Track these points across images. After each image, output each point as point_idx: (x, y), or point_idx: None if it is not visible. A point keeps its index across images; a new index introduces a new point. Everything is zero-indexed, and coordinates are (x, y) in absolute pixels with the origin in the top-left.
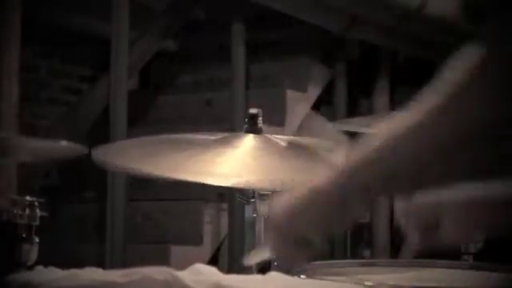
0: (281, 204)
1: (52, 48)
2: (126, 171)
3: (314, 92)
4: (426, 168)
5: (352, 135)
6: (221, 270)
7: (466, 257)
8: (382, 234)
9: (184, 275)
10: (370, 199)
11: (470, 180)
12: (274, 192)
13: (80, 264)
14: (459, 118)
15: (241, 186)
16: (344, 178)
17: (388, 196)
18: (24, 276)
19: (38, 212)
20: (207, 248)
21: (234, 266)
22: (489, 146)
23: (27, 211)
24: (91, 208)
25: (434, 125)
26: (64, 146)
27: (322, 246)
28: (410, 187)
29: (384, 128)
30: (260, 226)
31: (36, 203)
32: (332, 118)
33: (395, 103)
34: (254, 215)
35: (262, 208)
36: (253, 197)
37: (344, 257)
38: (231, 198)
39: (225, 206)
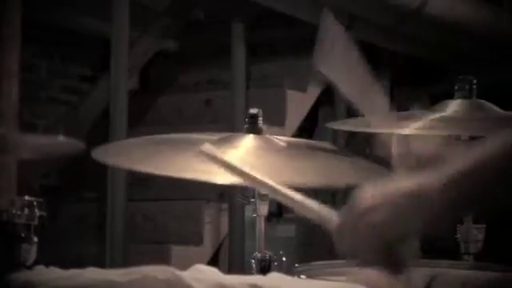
0: (372, 207)
1: (52, 48)
2: (128, 170)
3: (314, 92)
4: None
5: (352, 135)
6: (221, 270)
7: (466, 257)
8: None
9: (185, 275)
10: (459, 214)
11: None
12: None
13: (80, 264)
14: None
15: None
16: (440, 189)
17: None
18: (24, 275)
19: (37, 212)
20: (207, 248)
21: (234, 265)
22: None
23: (26, 211)
24: (91, 208)
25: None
26: (63, 142)
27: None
28: (484, 210)
29: (485, 144)
30: (260, 227)
31: (35, 203)
32: (332, 118)
33: (395, 103)
34: (254, 215)
35: (262, 208)
36: (253, 197)
37: (344, 257)
38: (231, 198)
39: (225, 206)
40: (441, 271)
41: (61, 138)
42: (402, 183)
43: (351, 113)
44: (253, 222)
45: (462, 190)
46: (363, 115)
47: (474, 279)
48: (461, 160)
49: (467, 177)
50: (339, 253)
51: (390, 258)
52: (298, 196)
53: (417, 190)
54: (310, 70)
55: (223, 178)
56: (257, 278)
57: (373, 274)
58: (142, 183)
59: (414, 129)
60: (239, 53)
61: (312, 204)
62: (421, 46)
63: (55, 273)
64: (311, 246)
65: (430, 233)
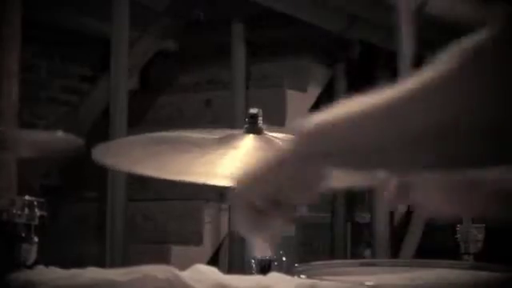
0: (246, 171)
1: (52, 48)
2: (127, 171)
3: (314, 92)
4: (389, 150)
5: None
6: (221, 269)
7: (466, 257)
8: (382, 234)
9: (185, 274)
10: (330, 171)
11: (447, 169)
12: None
13: (80, 264)
14: (441, 107)
15: None
16: (303, 146)
17: (347, 170)
18: (25, 275)
19: (37, 211)
20: (207, 248)
21: (234, 265)
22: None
23: (26, 211)
24: (91, 208)
25: (408, 111)
26: (62, 138)
27: (286, 214)
28: (369, 166)
29: (353, 102)
30: None
31: (35, 203)
32: None
33: None
34: None
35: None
36: None
37: (344, 257)
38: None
39: (225, 206)
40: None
41: (59, 134)
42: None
43: None
44: None
45: (335, 139)
46: None
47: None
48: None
49: (344, 124)
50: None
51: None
52: None
53: (275, 155)
54: (309, 70)
55: (222, 180)
56: (257, 278)
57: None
58: (142, 183)
59: None
60: (239, 53)
61: None
62: (421, 45)
63: (55, 273)
64: (311, 246)
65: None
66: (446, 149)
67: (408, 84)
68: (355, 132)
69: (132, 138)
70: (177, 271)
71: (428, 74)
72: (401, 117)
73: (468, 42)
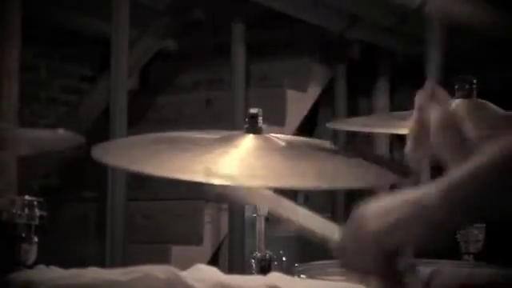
0: (372, 214)
1: (52, 48)
2: (126, 170)
3: (314, 92)
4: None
5: (352, 135)
6: (221, 269)
7: (466, 257)
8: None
9: (186, 274)
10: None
11: None
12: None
13: (80, 264)
14: None
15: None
16: (452, 195)
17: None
18: (25, 275)
19: (37, 211)
20: (207, 248)
21: (234, 265)
22: None
23: (26, 211)
24: (91, 208)
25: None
26: (62, 136)
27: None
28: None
29: (481, 154)
30: (260, 226)
31: (35, 203)
32: (332, 118)
33: (395, 103)
34: (254, 215)
35: (262, 208)
36: None
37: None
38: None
39: (225, 206)
40: (438, 268)
41: (60, 131)
42: (402, 194)
43: (351, 113)
44: (253, 222)
45: (461, 197)
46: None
47: (474, 277)
48: (460, 168)
49: (466, 185)
50: (343, 267)
51: (389, 269)
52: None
53: (417, 198)
54: (309, 70)
55: (222, 179)
56: (257, 278)
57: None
58: (142, 183)
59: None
60: (239, 53)
61: (317, 223)
62: (421, 45)
63: (56, 272)
64: (311, 245)
65: (430, 243)
66: None
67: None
68: (476, 192)
69: (131, 138)
70: (177, 271)
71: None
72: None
73: None
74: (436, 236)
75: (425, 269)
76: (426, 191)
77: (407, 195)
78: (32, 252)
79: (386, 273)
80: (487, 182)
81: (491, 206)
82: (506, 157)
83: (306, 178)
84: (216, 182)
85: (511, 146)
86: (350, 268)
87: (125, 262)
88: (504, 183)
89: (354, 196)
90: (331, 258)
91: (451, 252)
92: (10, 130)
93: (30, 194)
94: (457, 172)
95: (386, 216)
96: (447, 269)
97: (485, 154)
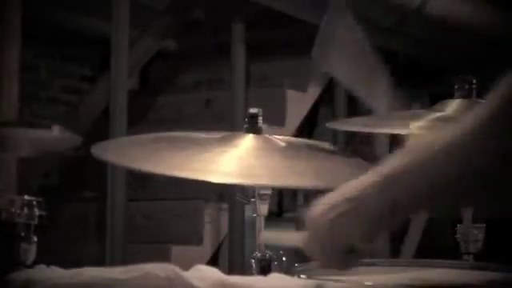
0: (319, 214)
1: (52, 48)
2: (127, 168)
3: (314, 92)
4: (455, 188)
5: (352, 135)
6: (221, 270)
7: (466, 257)
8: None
9: (186, 273)
10: (402, 214)
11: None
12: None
13: (80, 264)
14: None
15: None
16: (377, 191)
17: (415, 213)
18: (25, 274)
19: (37, 211)
20: (207, 248)
21: (234, 265)
22: None
23: (25, 210)
24: (91, 207)
25: (471, 149)
26: (60, 136)
27: (366, 251)
28: (436, 205)
29: (418, 142)
30: (260, 226)
31: (34, 202)
32: (332, 117)
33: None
34: (254, 215)
35: (262, 208)
36: (253, 196)
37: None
38: (231, 198)
39: (225, 205)
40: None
41: (56, 130)
42: (342, 189)
43: (351, 113)
44: (253, 222)
45: (399, 188)
46: (363, 101)
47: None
48: (399, 158)
49: (405, 175)
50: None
51: (341, 261)
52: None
53: (355, 194)
54: (309, 70)
55: (221, 177)
56: (258, 278)
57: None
58: (142, 183)
59: (414, 128)
60: (239, 53)
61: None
62: (421, 46)
63: (55, 272)
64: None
65: (374, 235)
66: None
67: (468, 120)
68: (422, 175)
69: (131, 137)
70: (178, 269)
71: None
72: (467, 156)
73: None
74: (378, 229)
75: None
76: (362, 187)
77: (346, 191)
78: (31, 251)
79: (338, 264)
80: (432, 170)
81: (439, 197)
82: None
83: (304, 177)
84: (215, 180)
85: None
86: (316, 259)
87: (125, 262)
88: (450, 172)
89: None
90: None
91: (451, 252)
92: (10, 130)
93: (29, 194)
94: (391, 163)
95: (327, 214)
96: None
97: (426, 146)
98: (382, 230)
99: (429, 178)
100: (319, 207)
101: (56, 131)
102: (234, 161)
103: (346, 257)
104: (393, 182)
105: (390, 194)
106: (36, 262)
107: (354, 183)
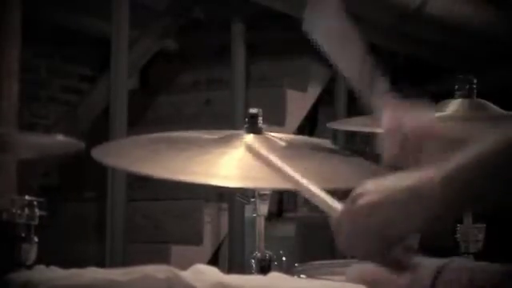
0: (372, 204)
1: (52, 48)
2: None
3: (314, 92)
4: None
5: (352, 135)
6: (221, 269)
7: (466, 257)
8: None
9: (186, 274)
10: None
11: None
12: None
13: (80, 264)
14: None
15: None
16: (453, 180)
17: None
18: (24, 275)
19: (37, 211)
20: (207, 248)
21: (234, 265)
22: None
23: (26, 210)
24: (91, 207)
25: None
26: (62, 142)
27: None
28: (489, 207)
29: (486, 140)
30: (260, 226)
31: (35, 202)
32: (332, 118)
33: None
34: (254, 215)
35: (262, 208)
36: (253, 196)
37: (344, 257)
38: (231, 198)
39: (225, 205)
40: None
41: (60, 138)
42: (402, 179)
43: (351, 113)
44: (253, 222)
45: (461, 184)
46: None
47: (481, 272)
48: (461, 155)
49: (467, 171)
50: (338, 247)
51: (388, 257)
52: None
53: (417, 186)
54: (309, 70)
55: (223, 180)
56: (258, 278)
57: (370, 270)
58: (142, 183)
59: None
60: (239, 53)
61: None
62: (421, 46)
63: (55, 272)
64: (311, 245)
65: (430, 230)
66: None
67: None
68: (477, 179)
69: (131, 138)
70: (177, 271)
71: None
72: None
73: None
74: (436, 224)
75: (432, 262)
76: (425, 177)
77: (405, 180)
78: (32, 252)
79: (385, 261)
80: (489, 169)
81: (491, 195)
82: (509, 145)
83: (305, 177)
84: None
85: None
86: (346, 249)
87: (125, 262)
88: (505, 172)
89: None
90: (331, 258)
91: (451, 252)
92: (10, 133)
93: (29, 194)
94: (457, 159)
95: (386, 204)
96: (456, 263)
97: (487, 143)
98: (436, 227)
99: (490, 174)
100: (372, 192)
101: (56, 136)
102: (235, 163)
103: (401, 254)
104: (457, 177)
105: (454, 187)
106: (35, 263)
107: (410, 175)
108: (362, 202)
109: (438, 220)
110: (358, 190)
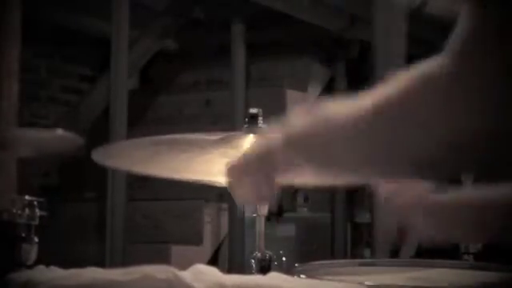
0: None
1: (52, 48)
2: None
3: (313, 92)
4: (362, 160)
5: None
6: (221, 269)
7: (466, 257)
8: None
9: (185, 274)
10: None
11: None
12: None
13: (80, 264)
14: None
15: None
16: (281, 145)
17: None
18: (24, 275)
19: (38, 211)
20: (207, 248)
21: (234, 265)
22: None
23: (26, 211)
24: (91, 208)
25: (388, 128)
26: (62, 137)
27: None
28: (342, 171)
29: (335, 106)
30: (260, 226)
31: (35, 203)
32: None
33: None
34: (254, 215)
35: (262, 208)
36: None
37: (344, 257)
38: (231, 198)
39: (225, 206)
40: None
41: (59, 132)
42: (256, 144)
43: None
44: (253, 222)
45: (302, 147)
46: None
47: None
48: (306, 120)
49: (309, 135)
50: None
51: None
52: None
53: (266, 142)
54: (309, 70)
55: (222, 179)
56: (257, 278)
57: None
58: (142, 183)
59: None
60: (239, 53)
61: None
62: (421, 46)
63: (55, 272)
64: (311, 245)
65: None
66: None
67: (372, 99)
68: (335, 144)
69: (132, 140)
70: (177, 271)
71: (383, 93)
72: (368, 134)
73: (422, 68)
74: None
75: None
76: (271, 140)
77: (256, 145)
78: (32, 252)
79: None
80: (340, 133)
81: (336, 162)
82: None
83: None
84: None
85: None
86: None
87: (125, 262)
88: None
89: (354, 196)
90: (331, 258)
91: (451, 252)
92: (10, 130)
93: (30, 194)
94: (302, 123)
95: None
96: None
97: (338, 110)
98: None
99: (337, 141)
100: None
101: (55, 131)
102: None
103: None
104: (298, 139)
105: (294, 149)
106: (36, 263)
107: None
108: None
109: (284, 178)
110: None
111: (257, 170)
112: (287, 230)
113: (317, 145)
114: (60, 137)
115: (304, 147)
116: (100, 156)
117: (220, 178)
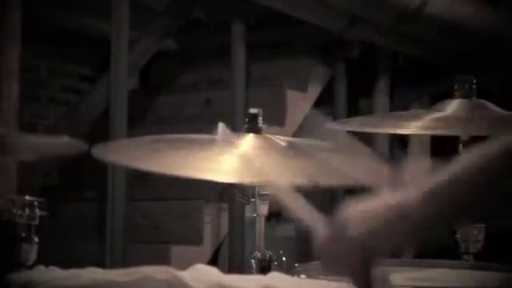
0: (356, 220)
1: (52, 48)
2: (127, 168)
3: (314, 92)
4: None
5: (352, 135)
6: (221, 269)
7: (466, 257)
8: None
9: (185, 275)
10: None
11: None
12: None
13: (80, 264)
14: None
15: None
16: (431, 200)
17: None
18: (24, 275)
19: (38, 211)
20: (207, 248)
21: (234, 265)
22: None
23: (27, 211)
24: (91, 207)
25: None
26: (64, 142)
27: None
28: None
29: (462, 157)
30: (260, 226)
31: (35, 203)
32: (332, 117)
33: (395, 103)
34: (254, 215)
35: (262, 208)
36: (253, 196)
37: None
38: (231, 198)
39: (225, 205)
40: None
41: (64, 139)
42: (384, 197)
43: (351, 113)
44: (253, 222)
45: (442, 201)
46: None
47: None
48: (440, 173)
49: (447, 188)
50: (322, 265)
51: (363, 275)
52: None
53: (397, 203)
54: (309, 70)
55: (220, 176)
56: (257, 278)
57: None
58: (142, 183)
59: (414, 128)
60: (239, 53)
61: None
62: (421, 46)
63: (55, 272)
64: (311, 245)
65: (414, 244)
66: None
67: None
68: (469, 189)
69: (130, 140)
70: (177, 272)
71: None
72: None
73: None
74: (418, 240)
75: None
76: (410, 194)
77: (390, 198)
78: (32, 252)
79: (360, 275)
80: (473, 182)
81: (478, 207)
82: (492, 159)
83: (305, 176)
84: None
85: (497, 148)
86: (328, 267)
87: (125, 262)
88: (490, 184)
89: (354, 196)
90: None
91: (451, 252)
92: (11, 135)
93: (30, 194)
94: (441, 173)
95: (370, 219)
96: None
97: (470, 157)
98: (419, 243)
99: (478, 187)
100: (355, 210)
101: (61, 138)
102: (234, 159)
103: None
104: (436, 194)
105: (434, 204)
106: (36, 263)
107: (393, 194)
108: (345, 218)
109: (419, 236)
110: (342, 216)
111: (390, 225)
112: (287, 229)
113: (458, 196)
114: (65, 143)
115: (448, 200)
116: (100, 152)
117: (220, 176)
